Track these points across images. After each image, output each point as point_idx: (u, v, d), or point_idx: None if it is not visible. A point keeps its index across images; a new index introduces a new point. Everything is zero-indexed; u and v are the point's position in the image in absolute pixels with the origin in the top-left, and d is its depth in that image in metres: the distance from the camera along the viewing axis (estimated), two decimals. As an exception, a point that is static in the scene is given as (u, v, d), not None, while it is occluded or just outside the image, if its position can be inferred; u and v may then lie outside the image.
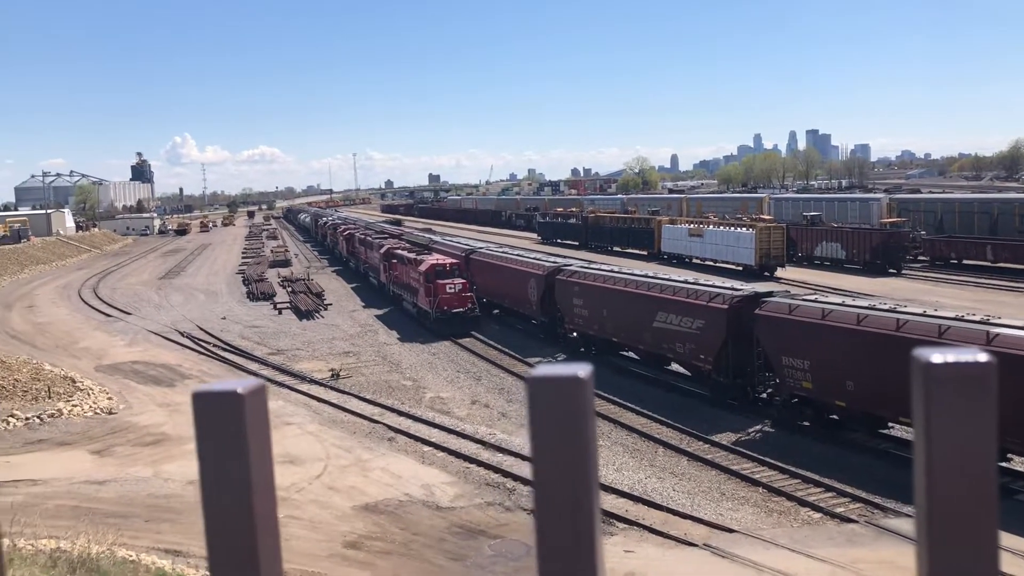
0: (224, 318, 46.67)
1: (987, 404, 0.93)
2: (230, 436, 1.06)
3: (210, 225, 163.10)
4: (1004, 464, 19.51)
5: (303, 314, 46.22)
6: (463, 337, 36.85)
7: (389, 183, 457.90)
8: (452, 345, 36.18)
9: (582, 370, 0.99)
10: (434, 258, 40.93)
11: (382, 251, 50.08)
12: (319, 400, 28.40)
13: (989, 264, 51.08)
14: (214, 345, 38.76)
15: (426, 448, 22.99)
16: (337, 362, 33.92)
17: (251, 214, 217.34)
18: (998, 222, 59.46)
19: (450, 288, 37.86)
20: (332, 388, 29.99)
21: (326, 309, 47.92)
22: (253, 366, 34.01)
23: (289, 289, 55.41)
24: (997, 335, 18.01)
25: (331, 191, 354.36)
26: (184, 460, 21.89)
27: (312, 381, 31.07)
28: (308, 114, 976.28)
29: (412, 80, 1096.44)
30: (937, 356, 0.93)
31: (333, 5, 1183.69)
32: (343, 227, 76.98)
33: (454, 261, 40.57)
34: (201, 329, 42.92)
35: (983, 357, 0.94)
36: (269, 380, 31.52)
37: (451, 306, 37.67)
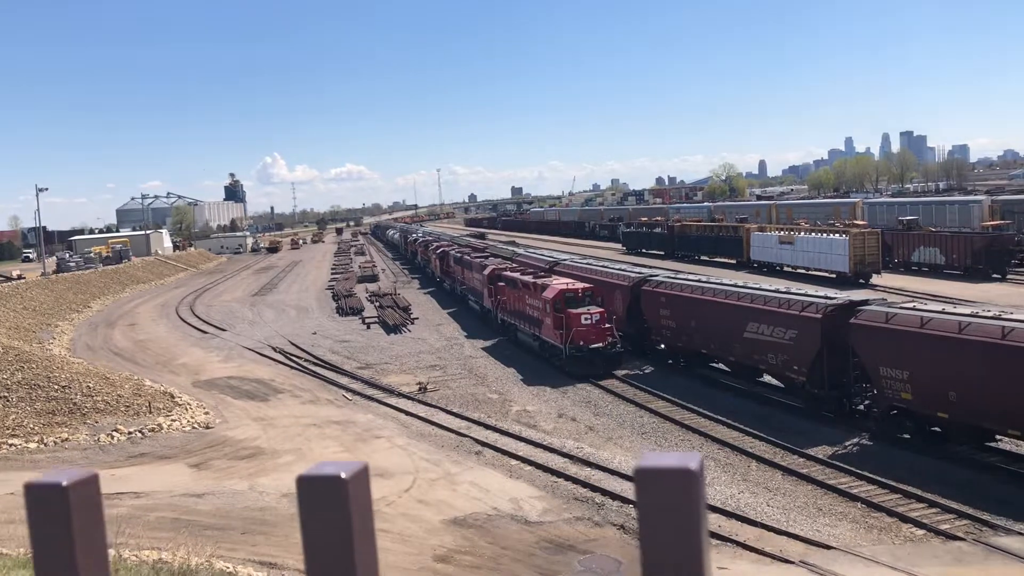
0: (315, 333, 47.69)
1: None
2: (334, 519, 1.04)
3: (300, 242, 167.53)
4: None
5: (391, 328, 46.88)
6: (604, 379, 31.04)
7: (472, 197, 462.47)
8: (527, 353, 36.01)
9: (692, 461, 0.94)
10: (562, 282, 34.52)
11: (486, 272, 44.35)
12: (407, 413, 28.70)
13: (1102, 267, 48.52)
14: (305, 360, 39.62)
15: (513, 462, 22.96)
16: (424, 375, 34.25)
17: (339, 231, 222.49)
18: (1110, 222, 56.46)
19: (586, 319, 31.59)
20: (420, 401, 30.27)
21: (413, 323, 48.47)
22: (343, 380, 34.62)
23: (377, 304, 56.33)
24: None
25: (416, 206, 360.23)
26: (278, 473, 22.37)
27: (400, 395, 31.43)
28: (393, 131, 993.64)
29: (494, 94, 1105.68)
30: None
31: (413, 24, 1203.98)
32: (435, 244, 72.85)
33: (587, 286, 33.94)
34: (293, 344, 43.95)
35: None
36: (359, 394, 32.07)
37: (588, 341, 31.45)
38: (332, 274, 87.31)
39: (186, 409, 30.04)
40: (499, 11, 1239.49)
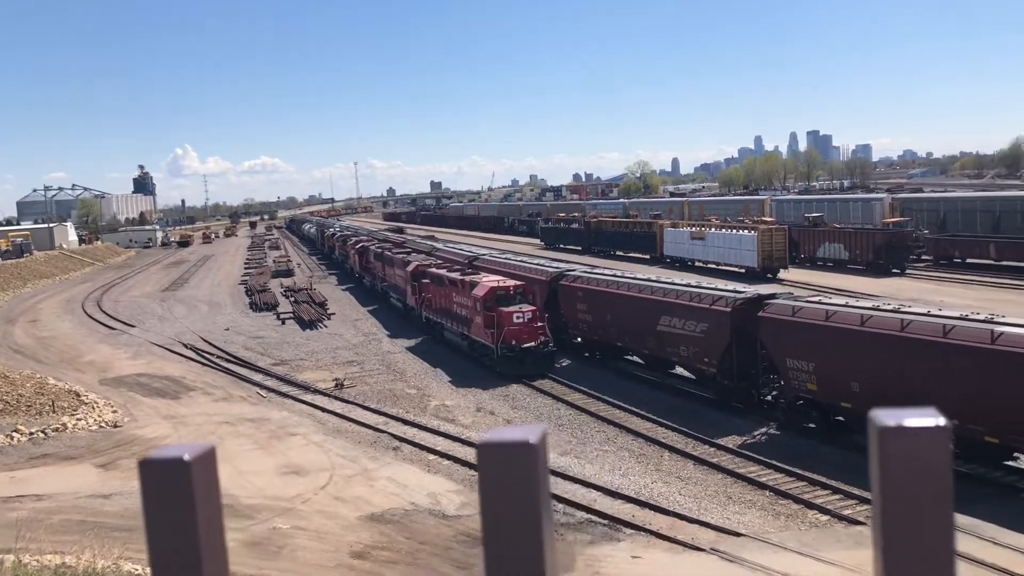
0: (227, 329, 46.69)
1: (941, 466, 0.95)
2: (178, 505, 1.01)
3: (212, 236, 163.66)
4: (1010, 462, 19.46)
5: (306, 324, 46.21)
6: (537, 379, 30.26)
7: (391, 191, 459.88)
8: (454, 353, 35.85)
9: (533, 435, 0.96)
10: (493, 280, 33.41)
11: (410, 269, 42.79)
12: (323, 410, 28.36)
13: (992, 262, 51.01)
14: (218, 356, 38.75)
15: (431, 457, 22.94)
16: (341, 371, 33.88)
17: (253, 225, 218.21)
18: (1001, 220, 59.41)
19: (518, 318, 30.78)
20: (336, 398, 29.95)
21: (329, 319, 47.87)
22: (257, 377, 34.01)
23: (292, 299, 55.39)
24: (1002, 334, 17.96)
25: (333, 200, 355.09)
26: (189, 472, 21.83)
27: (316, 391, 31.03)
28: (309, 123, 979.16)
29: (413, 88, 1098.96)
30: (891, 420, 0.94)
31: (332, 14, 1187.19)
32: (354, 239, 70.54)
33: (518, 283, 33.08)
34: (205, 340, 42.94)
35: (938, 421, 0.95)
36: (273, 391, 31.56)
37: (520, 340, 30.63)
38: (245, 269, 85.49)
39: (93, 408, 29.08)
40: (417, 6, 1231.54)
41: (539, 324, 31.33)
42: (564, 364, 33.06)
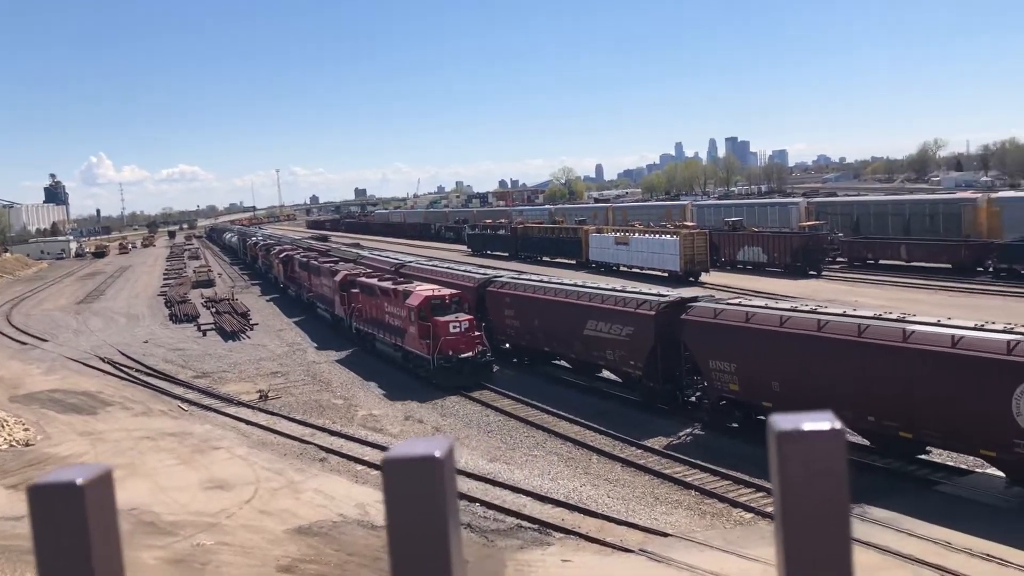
0: (146, 342, 45.43)
1: (837, 468, 0.99)
2: (70, 533, 0.95)
3: (129, 246, 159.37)
4: (923, 456, 20.18)
5: (228, 335, 45.27)
6: (475, 390, 29.45)
7: (314, 199, 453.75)
8: (387, 364, 35.51)
9: (439, 448, 0.96)
10: (428, 289, 32.54)
11: (338, 279, 41.76)
12: (247, 423, 27.80)
13: (904, 263, 52.89)
14: (136, 370, 37.67)
15: (359, 467, 22.69)
16: (265, 383, 33.26)
17: (172, 234, 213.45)
18: (910, 222, 61.64)
19: (454, 327, 29.88)
20: (261, 410, 29.39)
21: (252, 329, 46.97)
22: (179, 390, 33.16)
23: (213, 310, 54.16)
24: (913, 332, 18.61)
25: (255, 208, 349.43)
26: (107, 490, 21.14)
27: (240, 403, 30.40)
28: (228, 130, 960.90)
29: (335, 95, 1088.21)
30: (788, 424, 0.98)
31: (249, 21, 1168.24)
32: (278, 248, 68.85)
33: (454, 292, 32.36)
34: (123, 354, 41.69)
35: (834, 425, 0.99)
36: (195, 404, 30.81)
37: (457, 350, 29.81)
38: (165, 279, 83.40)
39: (2, 426, 27.91)
40: (338, 12, 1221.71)
41: (476, 333, 30.62)
42: (493, 370, 33.02)
